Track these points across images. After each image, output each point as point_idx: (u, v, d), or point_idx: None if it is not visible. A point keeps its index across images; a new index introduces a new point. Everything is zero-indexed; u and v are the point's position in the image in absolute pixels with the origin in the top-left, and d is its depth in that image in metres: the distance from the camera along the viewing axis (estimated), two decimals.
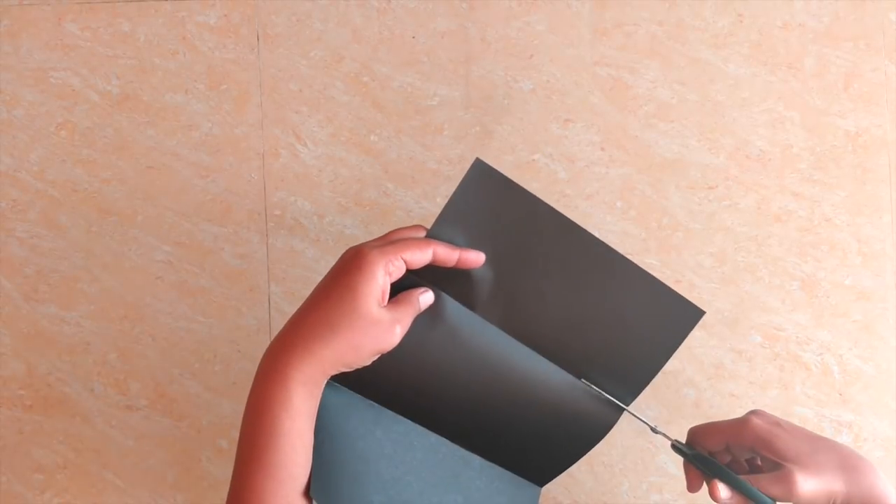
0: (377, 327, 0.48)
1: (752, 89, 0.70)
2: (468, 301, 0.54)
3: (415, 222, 0.69)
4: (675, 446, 0.56)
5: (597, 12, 0.71)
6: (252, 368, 0.70)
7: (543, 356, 0.55)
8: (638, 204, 0.70)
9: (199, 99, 0.71)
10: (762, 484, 0.53)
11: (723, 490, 0.53)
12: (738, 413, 0.68)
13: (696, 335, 0.69)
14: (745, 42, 0.70)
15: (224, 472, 0.69)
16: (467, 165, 0.50)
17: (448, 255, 0.51)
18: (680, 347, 0.56)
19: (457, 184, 0.50)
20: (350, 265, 0.49)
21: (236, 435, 0.69)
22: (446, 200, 0.51)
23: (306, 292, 0.69)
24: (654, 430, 0.57)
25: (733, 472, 0.54)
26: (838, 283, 0.70)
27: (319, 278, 0.69)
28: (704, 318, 0.54)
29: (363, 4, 0.71)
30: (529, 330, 0.55)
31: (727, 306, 0.70)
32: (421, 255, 0.50)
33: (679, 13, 0.70)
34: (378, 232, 0.69)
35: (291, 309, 0.70)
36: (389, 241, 0.51)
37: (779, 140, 0.70)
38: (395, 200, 0.70)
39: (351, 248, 0.51)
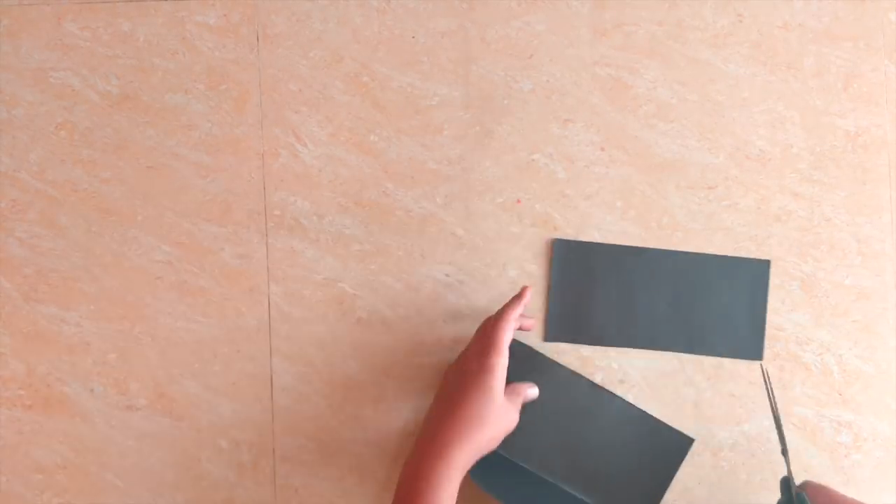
0: (507, 418, 0.61)
1: (752, 89, 0.70)
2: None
3: (414, 222, 0.69)
4: (785, 479, 0.60)
5: (597, 12, 0.71)
6: (252, 368, 0.70)
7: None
8: (638, 204, 0.70)
9: (199, 99, 0.71)
10: None
11: None
12: (738, 412, 0.68)
13: None
14: (745, 42, 0.70)
15: (223, 472, 0.69)
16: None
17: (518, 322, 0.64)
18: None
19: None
20: (479, 378, 0.60)
21: (236, 435, 0.70)
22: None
23: (307, 292, 0.70)
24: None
25: None
26: (838, 282, 0.70)
27: (319, 278, 0.70)
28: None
29: (363, 4, 0.71)
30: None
31: None
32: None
33: (679, 13, 0.70)
34: (377, 232, 0.69)
35: (291, 309, 0.70)
36: (491, 343, 0.61)
37: (779, 140, 0.70)
38: (394, 200, 0.70)
39: (466, 362, 0.63)
